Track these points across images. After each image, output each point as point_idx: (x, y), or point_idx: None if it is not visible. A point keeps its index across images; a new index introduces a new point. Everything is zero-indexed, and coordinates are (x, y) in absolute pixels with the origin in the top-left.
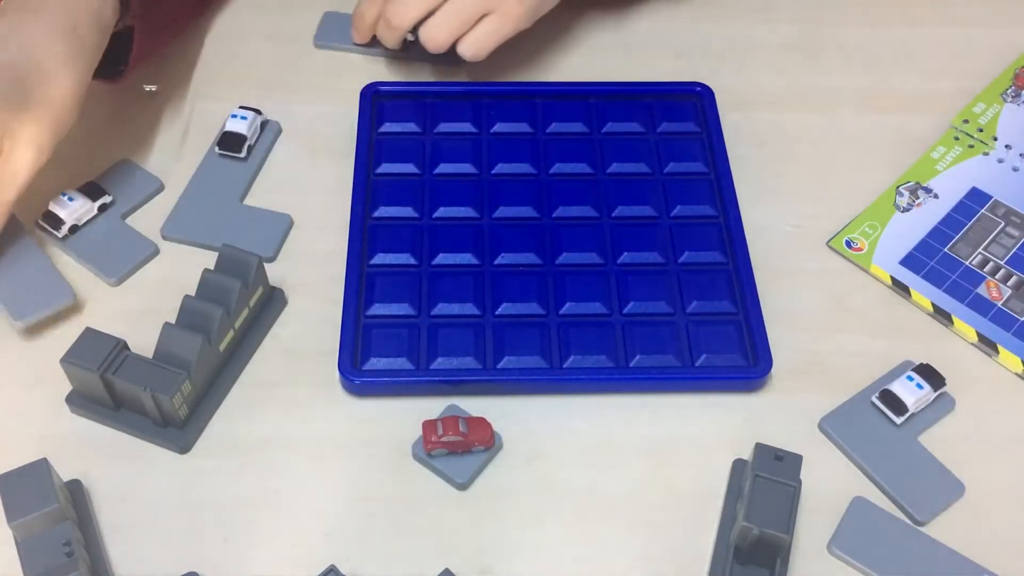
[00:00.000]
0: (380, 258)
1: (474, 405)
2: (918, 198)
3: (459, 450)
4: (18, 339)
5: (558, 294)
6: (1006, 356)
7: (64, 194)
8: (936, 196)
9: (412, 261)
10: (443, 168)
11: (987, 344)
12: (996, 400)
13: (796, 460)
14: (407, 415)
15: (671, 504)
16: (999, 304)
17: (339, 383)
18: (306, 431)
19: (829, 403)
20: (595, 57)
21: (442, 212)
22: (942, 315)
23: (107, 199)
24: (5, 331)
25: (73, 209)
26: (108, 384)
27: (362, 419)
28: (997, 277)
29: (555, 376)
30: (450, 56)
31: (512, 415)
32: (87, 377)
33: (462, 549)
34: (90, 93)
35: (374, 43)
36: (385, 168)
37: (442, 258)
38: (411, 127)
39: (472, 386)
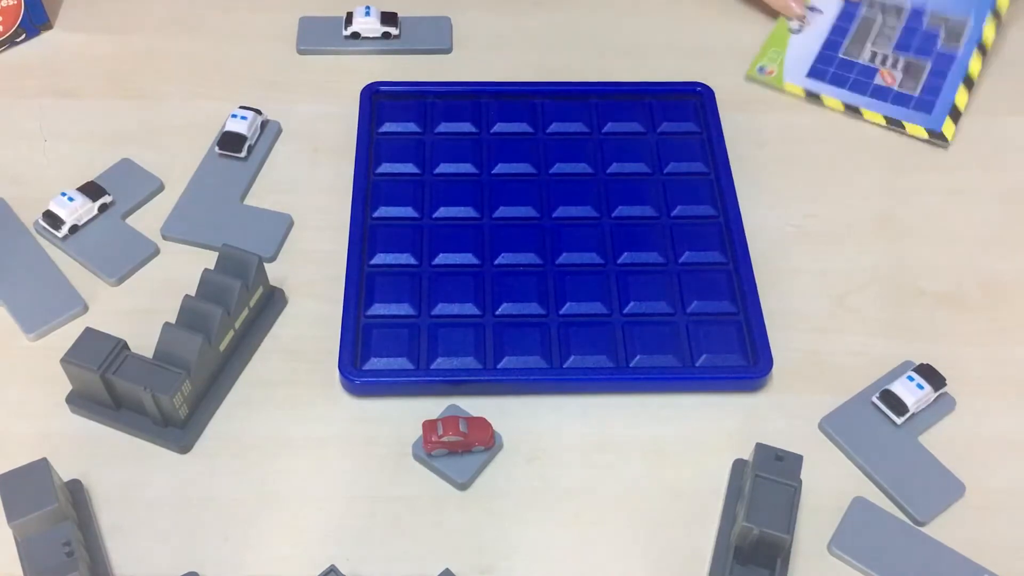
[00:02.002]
0: (380, 258)
1: (474, 405)
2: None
3: (459, 450)
4: (18, 339)
5: (558, 294)
6: (913, 129)
7: (64, 193)
8: (820, 12)
9: (412, 261)
10: (443, 168)
11: (894, 124)
12: (996, 400)
13: (796, 460)
14: (407, 415)
15: (671, 504)
16: (895, 88)
17: (339, 383)
18: (306, 431)
19: (829, 403)
20: (595, 57)
21: (442, 212)
22: (852, 111)
23: (107, 199)
24: (6, 331)
25: (73, 209)
26: (108, 384)
27: (362, 419)
28: (887, 65)
29: (555, 376)
30: None
31: (512, 415)
32: (87, 377)
33: (462, 549)
34: (90, 91)
35: (350, 41)
36: (385, 168)
37: (442, 258)
38: (411, 127)
39: (472, 386)
